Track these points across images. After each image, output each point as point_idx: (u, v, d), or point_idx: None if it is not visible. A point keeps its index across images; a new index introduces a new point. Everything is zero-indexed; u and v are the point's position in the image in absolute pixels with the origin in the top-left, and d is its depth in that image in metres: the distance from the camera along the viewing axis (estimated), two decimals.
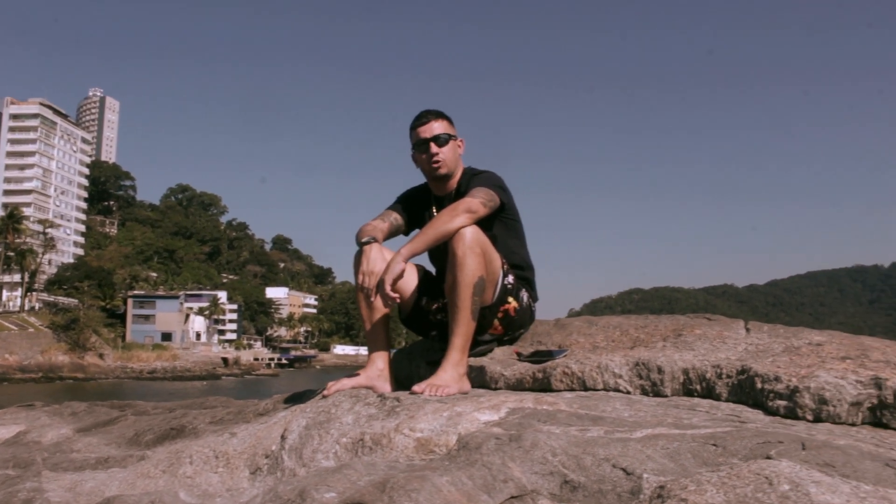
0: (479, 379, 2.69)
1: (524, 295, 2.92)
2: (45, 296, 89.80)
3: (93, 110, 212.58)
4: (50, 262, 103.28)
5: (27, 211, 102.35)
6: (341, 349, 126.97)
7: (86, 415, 4.43)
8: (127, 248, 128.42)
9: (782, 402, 2.03)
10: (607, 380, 2.43)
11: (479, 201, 2.68)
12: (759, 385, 2.11)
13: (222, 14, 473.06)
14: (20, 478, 2.52)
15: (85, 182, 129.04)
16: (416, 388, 2.44)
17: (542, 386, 2.52)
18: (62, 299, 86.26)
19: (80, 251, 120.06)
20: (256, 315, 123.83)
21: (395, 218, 3.04)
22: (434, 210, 3.00)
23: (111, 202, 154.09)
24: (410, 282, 2.90)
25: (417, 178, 3.12)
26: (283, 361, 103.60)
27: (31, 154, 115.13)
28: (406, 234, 3.10)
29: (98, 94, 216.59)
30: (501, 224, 2.90)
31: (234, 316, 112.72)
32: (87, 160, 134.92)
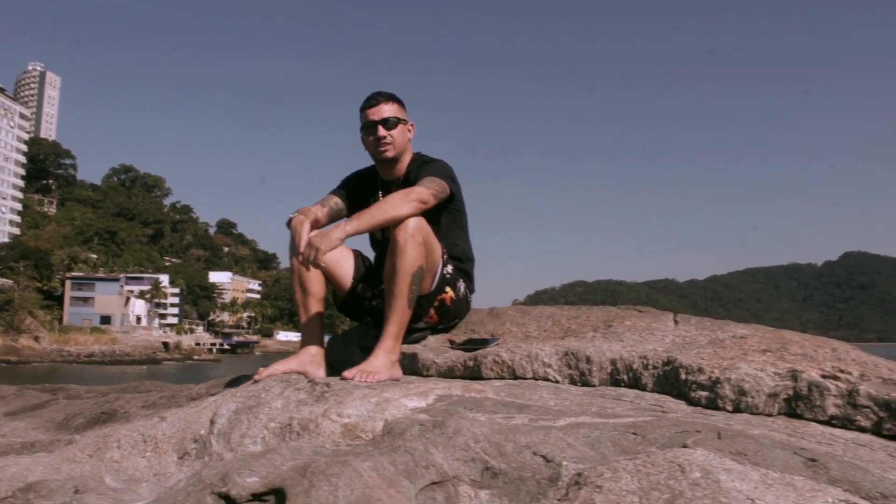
0: (411, 366, 2.70)
1: (461, 285, 2.93)
2: None
3: (32, 85, 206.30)
4: None
5: None
6: (284, 335, 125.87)
7: (14, 398, 4.34)
8: (66, 229, 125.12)
9: (704, 393, 2.07)
10: (537, 369, 2.46)
11: (430, 192, 2.66)
12: (683, 376, 2.16)
13: None
14: None
15: (22, 159, 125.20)
16: (346, 373, 2.43)
17: (473, 374, 2.54)
18: None
19: (17, 230, 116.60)
20: (199, 299, 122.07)
21: (336, 202, 3.01)
22: (380, 195, 2.98)
23: (50, 181, 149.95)
24: (347, 267, 2.89)
25: (366, 162, 3.10)
26: (225, 347, 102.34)
27: None
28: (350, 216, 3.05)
29: (38, 68, 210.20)
30: (448, 215, 2.90)
31: (176, 300, 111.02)
32: (26, 136, 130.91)
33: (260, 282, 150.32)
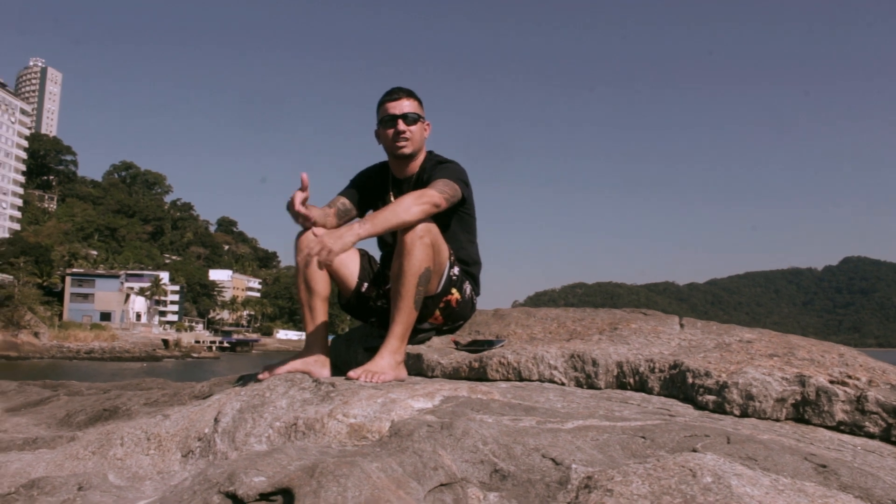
0: (415, 366, 2.69)
1: (467, 288, 2.92)
2: None
3: (33, 81, 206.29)
4: None
5: None
6: (284, 334, 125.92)
7: (15, 394, 4.33)
8: (66, 225, 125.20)
9: (711, 397, 2.07)
10: (542, 371, 2.45)
11: (442, 196, 2.63)
12: (690, 380, 2.15)
13: None
14: None
15: (23, 155, 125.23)
16: (351, 373, 2.42)
17: (479, 375, 2.53)
18: None
19: (17, 226, 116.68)
20: (199, 297, 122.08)
21: (343, 203, 2.99)
22: (391, 196, 2.95)
23: (51, 177, 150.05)
24: (353, 267, 2.88)
25: (367, 160, 3.07)
26: (225, 345, 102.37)
27: None
28: (360, 216, 3.01)
29: (40, 64, 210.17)
30: (457, 218, 2.88)
31: (176, 297, 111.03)
32: (26, 132, 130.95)
33: (260, 280, 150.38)
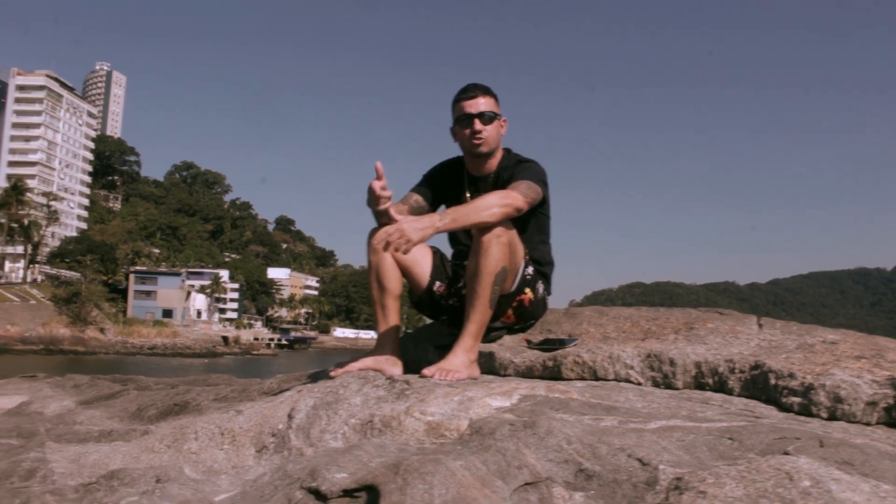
0: (487, 365, 2.68)
1: (540, 287, 2.89)
2: (47, 268, 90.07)
3: (99, 84, 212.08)
4: (53, 235, 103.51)
5: (31, 183, 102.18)
6: (341, 332, 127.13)
7: (88, 388, 4.42)
8: (130, 224, 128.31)
9: (797, 399, 2.01)
10: (618, 370, 2.42)
11: (525, 200, 2.59)
12: (772, 381, 2.10)
13: None
14: (24, 448, 2.51)
15: (90, 156, 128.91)
16: (426, 371, 2.42)
17: (552, 374, 2.51)
18: (64, 272, 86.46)
19: (84, 225, 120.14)
20: (257, 295, 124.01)
21: (416, 200, 2.97)
22: (468, 195, 2.92)
23: (115, 177, 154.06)
24: (425, 264, 2.87)
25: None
26: (283, 342, 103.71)
27: (37, 126, 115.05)
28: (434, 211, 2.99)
29: (105, 68, 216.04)
30: (535, 219, 2.85)
31: (236, 295, 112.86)
32: (93, 134, 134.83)
33: (317, 278, 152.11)
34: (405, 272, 2.81)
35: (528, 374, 2.58)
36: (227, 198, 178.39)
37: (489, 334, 2.83)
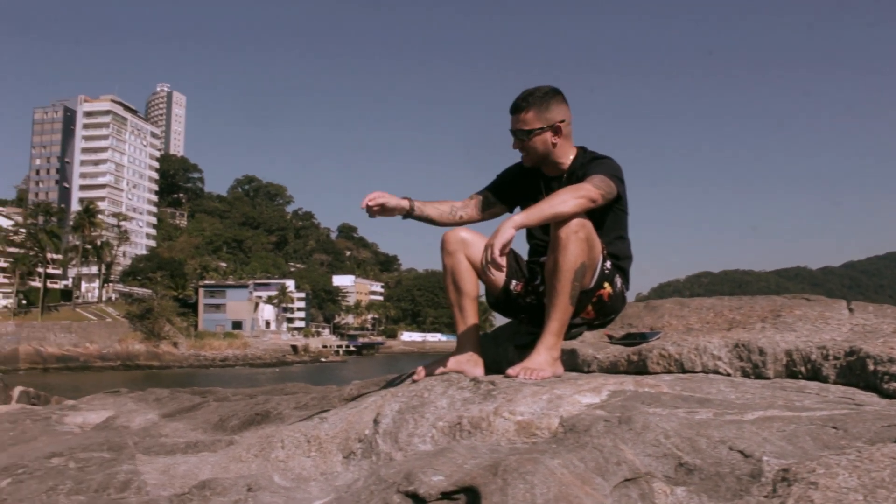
0: (570, 362, 2.66)
1: (618, 281, 2.85)
2: (120, 287, 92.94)
3: (161, 105, 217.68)
4: (124, 254, 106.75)
5: (102, 205, 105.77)
6: (408, 336, 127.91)
7: (169, 401, 4.53)
8: (197, 239, 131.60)
9: None
10: (706, 362, 2.37)
11: (599, 192, 2.57)
12: (871, 367, 2.03)
13: (278, 4, 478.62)
14: (115, 461, 2.58)
15: (155, 175, 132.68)
16: (510, 371, 2.42)
17: (638, 369, 2.47)
18: (137, 290, 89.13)
19: (153, 243, 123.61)
20: (324, 303, 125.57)
21: (487, 195, 3.01)
22: (544, 194, 2.86)
23: (180, 194, 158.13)
24: None
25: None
26: (352, 348, 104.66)
27: (104, 150, 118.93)
28: (510, 210, 3.04)
29: (165, 89, 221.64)
30: (611, 213, 2.82)
31: (302, 304, 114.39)
32: (157, 154, 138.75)
33: (382, 284, 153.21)
34: (481, 274, 2.81)
35: (612, 369, 2.55)
36: (290, 208, 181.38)
37: (570, 331, 2.81)
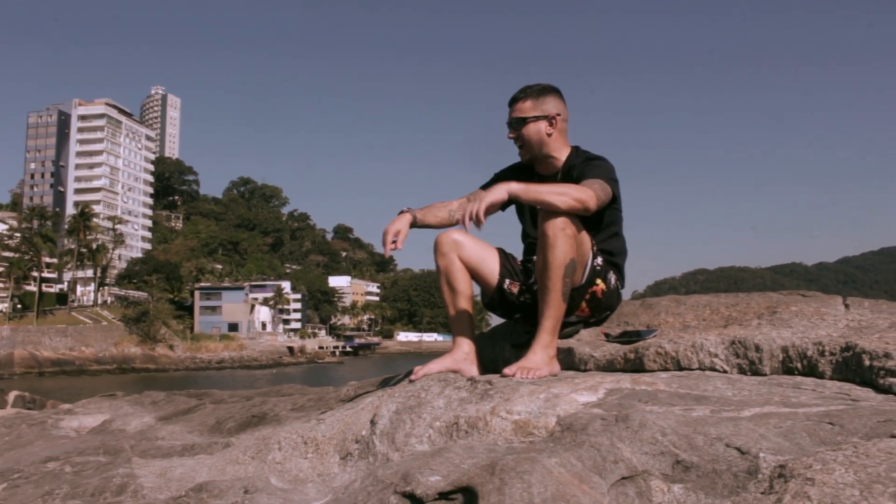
0: (567, 360, 2.66)
1: (612, 277, 2.86)
2: (116, 290, 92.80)
3: (155, 108, 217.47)
4: (120, 257, 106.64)
5: (97, 208, 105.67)
6: (404, 336, 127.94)
7: (165, 403, 4.52)
8: (192, 242, 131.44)
9: (895, 380, 1.94)
10: (702, 359, 2.37)
11: (596, 201, 2.56)
12: (867, 362, 2.03)
13: (272, 6, 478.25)
14: (112, 464, 2.58)
15: (150, 178, 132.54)
16: (506, 370, 2.42)
17: (635, 366, 2.47)
18: (132, 293, 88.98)
19: (148, 245, 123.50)
20: (320, 304, 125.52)
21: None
22: None
23: (176, 197, 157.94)
24: (493, 264, 2.87)
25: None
26: (348, 349, 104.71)
27: (99, 153, 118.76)
28: (503, 210, 2.97)
29: (160, 91, 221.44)
30: (608, 212, 2.81)
31: (298, 305, 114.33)
32: (152, 157, 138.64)
33: (378, 284, 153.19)
34: (474, 273, 2.82)
35: (609, 367, 2.55)
36: (285, 210, 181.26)
37: (565, 329, 2.81)
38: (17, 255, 79.13)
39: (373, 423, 2.25)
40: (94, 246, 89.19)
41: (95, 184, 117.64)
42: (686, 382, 2.12)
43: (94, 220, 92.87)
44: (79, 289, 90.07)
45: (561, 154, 2.90)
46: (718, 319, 2.70)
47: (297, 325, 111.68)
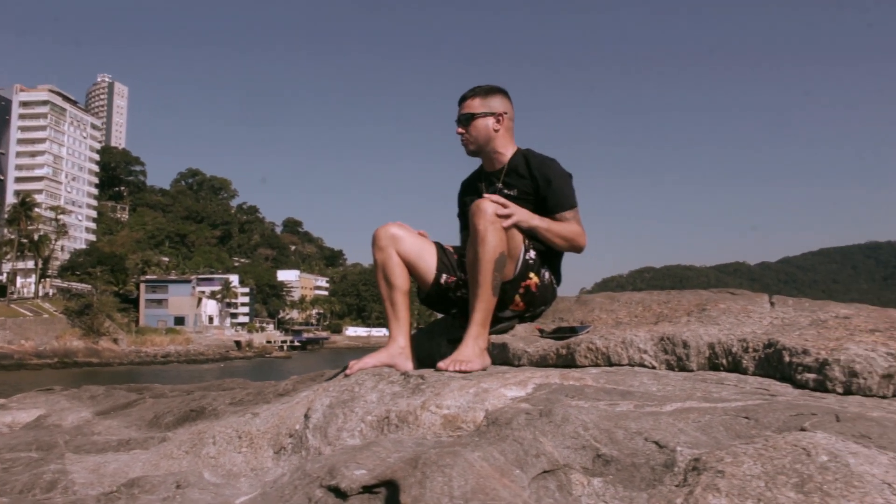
0: (501, 356, 2.68)
1: (545, 272, 2.91)
2: (58, 282, 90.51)
3: (102, 96, 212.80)
4: (63, 249, 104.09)
5: (39, 198, 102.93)
6: (353, 331, 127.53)
7: (104, 398, 4.45)
8: (138, 234, 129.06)
9: (811, 375, 2.00)
10: (632, 355, 2.42)
11: (585, 237, 2.93)
12: (786, 358, 2.09)
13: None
14: (44, 460, 2.53)
15: (95, 168, 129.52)
16: (440, 364, 2.44)
17: (566, 362, 2.51)
18: (76, 285, 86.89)
19: (93, 237, 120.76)
20: (268, 298, 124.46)
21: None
22: (482, 186, 3.04)
23: (122, 188, 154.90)
24: (430, 259, 2.89)
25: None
26: (296, 344, 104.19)
27: (42, 141, 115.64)
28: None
29: (107, 79, 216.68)
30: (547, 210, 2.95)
31: (247, 299, 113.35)
32: (97, 146, 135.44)
33: (327, 279, 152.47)
34: (411, 268, 2.84)
35: (542, 363, 2.58)
36: (234, 203, 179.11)
37: (500, 324, 2.85)
38: None
39: (307, 417, 2.25)
40: (36, 236, 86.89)
41: (37, 172, 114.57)
42: (614, 378, 2.15)
43: (36, 209, 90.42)
44: (18, 280, 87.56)
45: (507, 151, 2.99)
46: (650, 316, 2.75)
47: (245, 320, 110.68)
